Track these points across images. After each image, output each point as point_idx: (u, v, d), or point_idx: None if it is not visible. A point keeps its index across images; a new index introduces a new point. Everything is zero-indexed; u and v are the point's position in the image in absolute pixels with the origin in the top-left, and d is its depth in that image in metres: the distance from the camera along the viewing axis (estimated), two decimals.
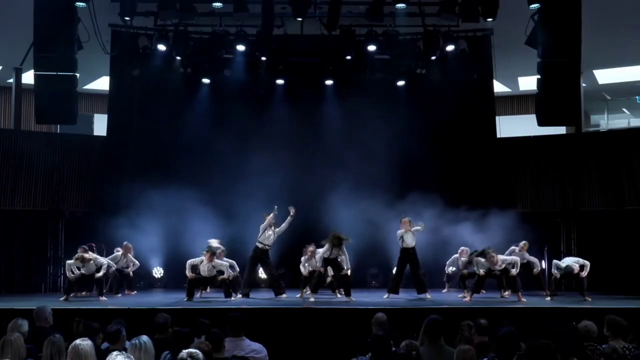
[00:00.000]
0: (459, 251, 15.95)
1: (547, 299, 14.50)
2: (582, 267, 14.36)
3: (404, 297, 14.68)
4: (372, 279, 18.19)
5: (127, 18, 14.84)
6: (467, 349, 6.32)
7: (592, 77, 19.46)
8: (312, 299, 13.83)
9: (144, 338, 6.23)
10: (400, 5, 14.66)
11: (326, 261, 14.33)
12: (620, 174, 17.23)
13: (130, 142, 17.97)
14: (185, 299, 13.98)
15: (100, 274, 14.46)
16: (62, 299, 14.16)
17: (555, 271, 14.59)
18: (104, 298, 14.36)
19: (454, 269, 16.42)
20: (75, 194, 17.98)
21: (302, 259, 15.39)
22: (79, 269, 14.38)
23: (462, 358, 6.18)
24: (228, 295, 14.38)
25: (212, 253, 14.51)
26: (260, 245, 15.12)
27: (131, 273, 16.05)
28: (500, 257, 14.38)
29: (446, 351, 6.81)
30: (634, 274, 16.26)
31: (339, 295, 14.89)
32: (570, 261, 14.61)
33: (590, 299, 13.83)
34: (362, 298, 14.31)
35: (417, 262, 14.89)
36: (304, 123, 18.28)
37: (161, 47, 16.70)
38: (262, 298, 14.84)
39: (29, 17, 11.93)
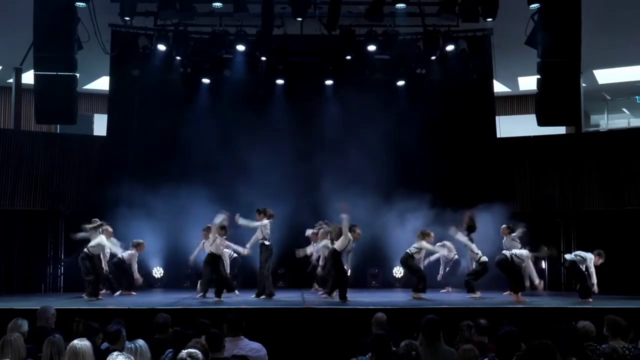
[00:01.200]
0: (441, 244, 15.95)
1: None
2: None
3: (404, 297, 14.68)
4: (372, 279, 18.18)
5: (127, 18, 14.82)
6: (470, 348, 6.32)
7: (592, 77, 19.47)
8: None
9: (140, 342, 6.29)
10: (400, 5, 14.67)
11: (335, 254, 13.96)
12: (620, 174, 17.22)
13: (130, 142, 17.94)
14: (215, 300, 13.78)
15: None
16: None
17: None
18: (100, 297, 14.32)
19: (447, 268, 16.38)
20: (75, 193, 17.96)
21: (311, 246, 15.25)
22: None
23: (465, 357, 6.17)
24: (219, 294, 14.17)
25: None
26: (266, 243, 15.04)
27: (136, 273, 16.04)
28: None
29: (445, 351, 6.80)
30: (633, 274, 16.25)
31: (334, 295, 14.68)
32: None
33: (591, 300, 13.81)
34: (362, 298, 14.29)
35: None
36: (304, 123, 18.28)
37: (161, 47, 16.72)
38: (261, 298, 14.80)
39: (29, 17, 11.94)
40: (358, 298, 14.10)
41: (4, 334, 6.91)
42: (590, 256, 14.03)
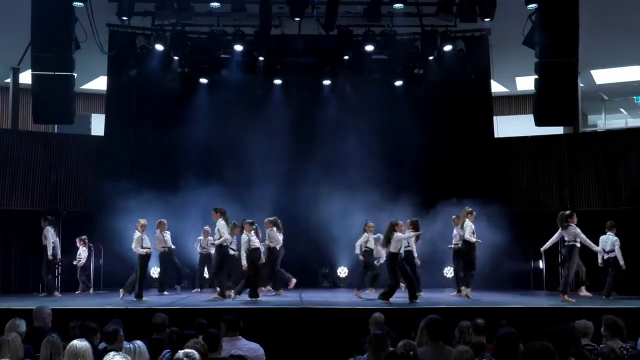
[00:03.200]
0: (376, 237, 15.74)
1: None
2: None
3: (402, 298, 14.67)
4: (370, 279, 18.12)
5: (124, 18, 14.83)
6: (465, 350, 6.30)
7: (589, 77, 19.48)
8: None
9: (139, 342, 6.34)
10: (398, 6, 14.67)
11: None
12: (617, 174, 17.23)
13: (128, 141, 17.95)
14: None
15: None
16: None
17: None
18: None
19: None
20: (73, 193, 17.94)
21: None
22: None
23: (461, 359, 6.16)
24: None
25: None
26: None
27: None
28: None
29: (447, 351, 6.80)
30: (631, 273, 16.21)
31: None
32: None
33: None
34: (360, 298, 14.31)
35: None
36: (302, 122, 18.27)
37: (159, 47, 16.71)
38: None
39: (27, 17, 11.91)
40: (355, 298, 14.11)
41: (1, 334, 6.90)
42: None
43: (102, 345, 7.32)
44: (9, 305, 12.05)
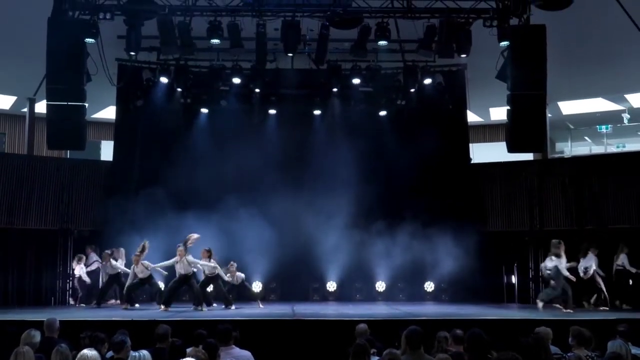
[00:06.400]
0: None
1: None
2: None
3: (385, 309, 14.65)
4: (357, 293, 18.12)
5: (132, 53, 14.84)
6: (445, 357, 6.29)
7: (556, 108, 19.64)
8: None
9: (144, 352, 6.30)
10: (382, 42, 14.71)
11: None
12: (582, 196, 17.30)
13: (134, 166, 17.92)
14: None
15: None
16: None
17: None
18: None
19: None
20: (83, 214, 17.85)
21: None
22: None
23: None
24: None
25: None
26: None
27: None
28: None
29: (426, 359, 6.79)
30: (595, 288, 16.24)
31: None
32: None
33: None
34: (347, 310, 14.26)
35: None
36: (294, 149, 18.25)
37: (163, 80, 16.81)
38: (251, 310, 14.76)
39: (42, 52, 11.95)
40: (343, 310, 14.07)
41: (17, 343, 6.86)
42: None
43: (110, 354, 7.29)
44: (24, 317, 11.97)
